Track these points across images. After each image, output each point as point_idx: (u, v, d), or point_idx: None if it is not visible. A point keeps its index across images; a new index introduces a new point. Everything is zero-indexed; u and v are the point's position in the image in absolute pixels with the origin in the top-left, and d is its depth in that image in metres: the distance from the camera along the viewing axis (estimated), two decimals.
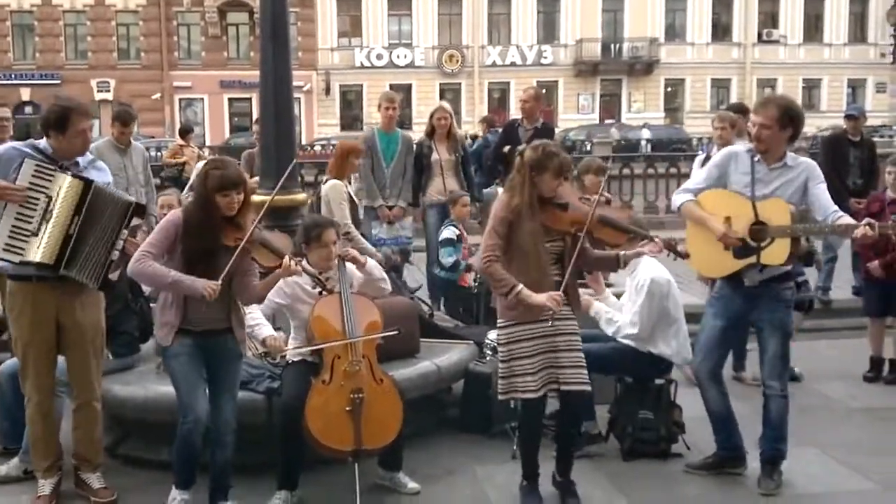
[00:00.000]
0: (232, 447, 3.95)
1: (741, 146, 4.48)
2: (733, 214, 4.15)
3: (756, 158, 4.20)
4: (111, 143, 6.91)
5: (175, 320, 3.79)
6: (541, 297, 3.80)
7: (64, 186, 3.87)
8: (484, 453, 4.66)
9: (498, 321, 4.03)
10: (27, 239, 3.82)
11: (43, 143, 4.03)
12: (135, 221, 4.06)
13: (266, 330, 4.18)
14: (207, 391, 3.89)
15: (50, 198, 3.84)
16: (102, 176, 4.15)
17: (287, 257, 3.76)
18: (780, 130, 4.12)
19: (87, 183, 3.91)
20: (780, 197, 4.12)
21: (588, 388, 4.05)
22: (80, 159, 4.08)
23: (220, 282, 3.65)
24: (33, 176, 3.84)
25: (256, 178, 6.90)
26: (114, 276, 4.08)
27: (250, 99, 36.61)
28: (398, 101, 7.67)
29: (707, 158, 6.84)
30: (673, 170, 14.52)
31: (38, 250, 3.81)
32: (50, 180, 3.86)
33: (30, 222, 3.82)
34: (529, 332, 3.92)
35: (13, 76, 36.52)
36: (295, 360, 4.24)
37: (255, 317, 4.19)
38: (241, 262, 3.78)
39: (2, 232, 3.81)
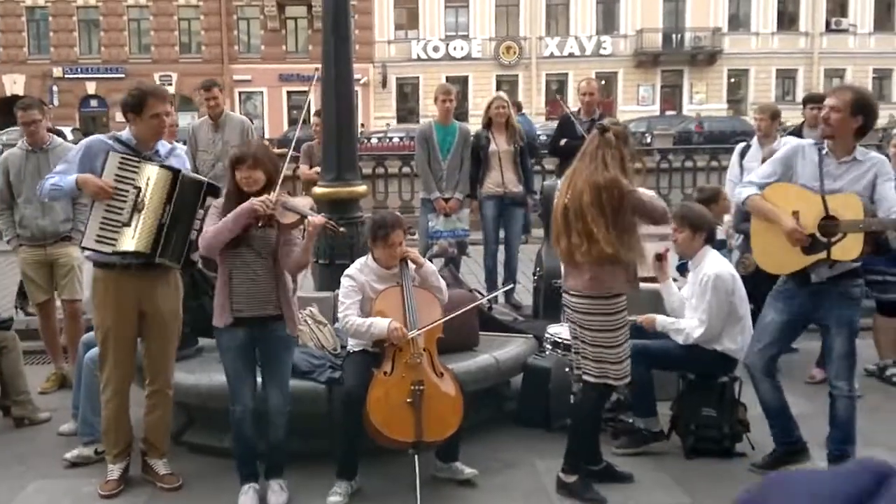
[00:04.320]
0: (284, 430, 4.05)
1: (808, 140, 4.35)
2: (801, 209, 4.03)
3: (824, 152, 4.07)
4: (204, 121, 7.15)
5: (225, 302, 3.91)
6: None
7: (153, 177, 3.96)
8: (543, 447, 4.61)
9: (599, 306, 3.97)
10: (119, 229, 3.93)
11: (125, 133, 4.14)
12: (209, 201, 4.12)
13: (381, 323, 4.07)
14: (260, 379, 4.05)
15: (139, 189, 3.93)
16: (181, 164, 4.25)
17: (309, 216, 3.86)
18: (850, 117, 3.98)
19: (175, 172, 4.01)
20: (850, 192, 3.99)
21: None
22: (160, 148, 4.18)
23: (271, 196, 3.78)
24: (119, 168, 3.94)
25: (316, 169, 6.98)
26: (194, 256, 4.18)
27: (308, 92, 36.96)
28: (455, 94, 7.63)
29: (747, 148, 6.64)
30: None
31: (132, 240, 3.92)
32: (136, 171, 3.96)
33: (120, 213, 3.93)
34: (626, 316, 4.07)
35: (79, 70, 37.53)
36: (356, 349, 4.28)
37: (360, 321, 4.11)
38: (281, 232, 3.91)
39: (93, 224, 3.94)
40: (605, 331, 3.96)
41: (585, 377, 4.08)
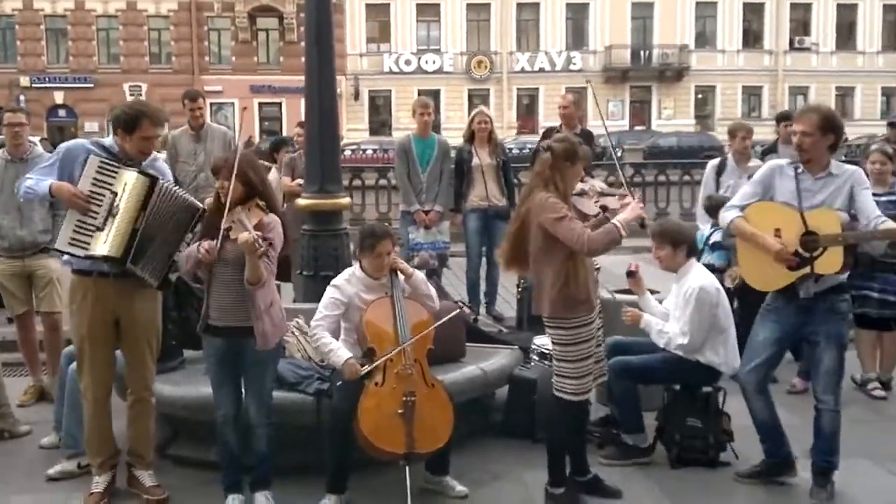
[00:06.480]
0: (265, 442, 4.04)
1: (783, 160, 4.44)
2: (782, 226, 4.11)
3: (800, 170, 4.16)
4: (185, 132, 7.11)
5: (204, 309, 3.98)
6: (630, 212, 3.92)
7: (129, 182, 3.93)
8: (530, 458, 4.61)
9: (557, 322, 3.99)
10: (92, 234, 3.89)
11: (109, 140, 4.11)
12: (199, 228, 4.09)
13: (342, 354, 4.12)
14: (242, 388, 4.08)
15: (115, 194, 3.90)
16: (162, 174, 4.19)
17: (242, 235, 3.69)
18: (822, 137, 4.09)
19: (153, 179, 3.97)
20: (829, 206, 4.08)
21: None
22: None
23: (215, 242, 3.77)
24: (97, 172, 3.91)
25: (299, 181, 6.96)
26: (173, 276, 4.15)
27: (280, 104, 36.91)
28: (433, 107, 7.69)
29: (722, 165, 6.73)
30: None
31: (104, 244, 3.88)
32: (114, 177, 3.92)
33: (95, 217, 3.89)
34: (589, 332, 4.02)
35: (47, 79, 37.08)
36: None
37: (325, 341, 4.17)
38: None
39: (67, 227, 3.90)
40: (563, 344, 4.00)
41: (554, 391, 4.12)
